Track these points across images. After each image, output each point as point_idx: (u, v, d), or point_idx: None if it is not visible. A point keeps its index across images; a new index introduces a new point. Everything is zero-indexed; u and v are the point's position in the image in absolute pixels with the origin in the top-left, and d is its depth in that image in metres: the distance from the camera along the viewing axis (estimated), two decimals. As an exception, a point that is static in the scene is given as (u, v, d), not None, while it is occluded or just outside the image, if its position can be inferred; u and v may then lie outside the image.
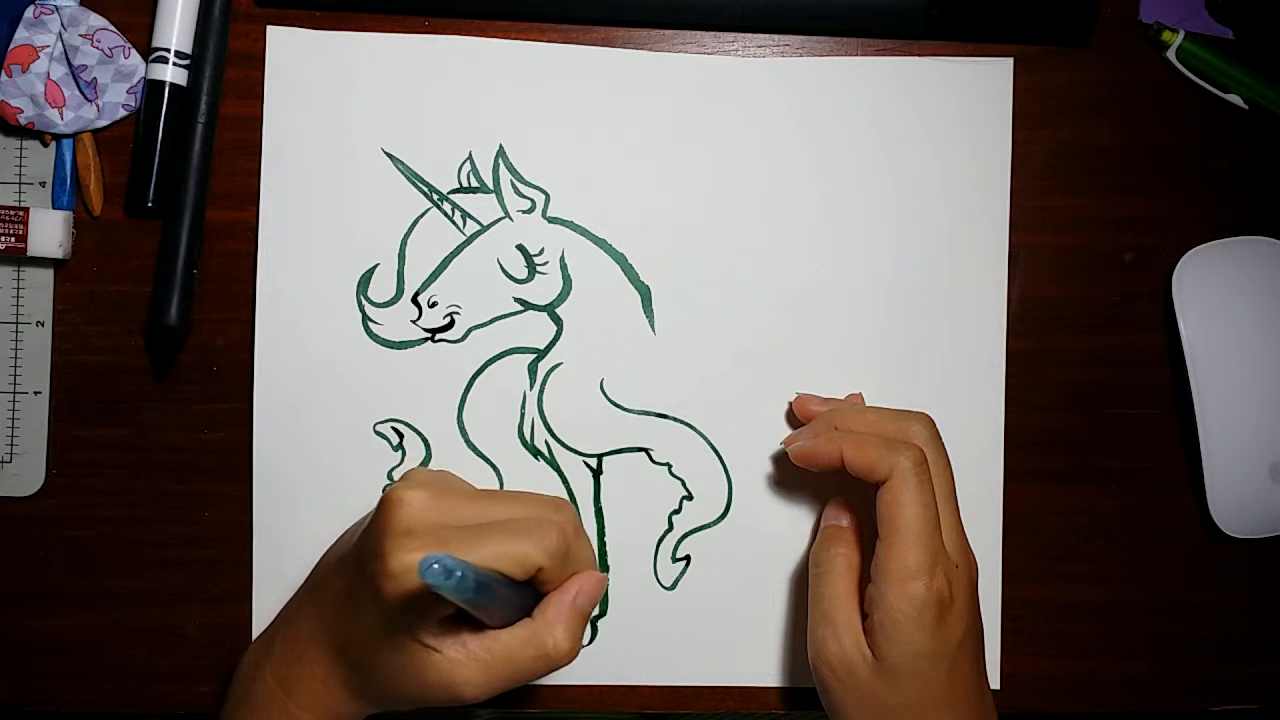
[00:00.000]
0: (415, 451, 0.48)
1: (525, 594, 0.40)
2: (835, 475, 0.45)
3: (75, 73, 0.47)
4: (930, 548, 0.42)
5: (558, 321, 0.49)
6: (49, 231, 0.47)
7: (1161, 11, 0.51)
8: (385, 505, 0.39)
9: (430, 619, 0.39)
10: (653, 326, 0.49)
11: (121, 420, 0.48)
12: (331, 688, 0.42)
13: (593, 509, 0.49)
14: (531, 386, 0.49)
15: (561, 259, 0.49)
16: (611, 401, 0.49)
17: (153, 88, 0.47)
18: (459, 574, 0.32)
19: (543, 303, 0.49)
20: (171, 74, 0.47)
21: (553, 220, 0.49)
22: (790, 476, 0.49)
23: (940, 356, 0.49)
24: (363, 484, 0.48)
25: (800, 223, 0.49)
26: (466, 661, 0.39)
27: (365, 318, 0.48)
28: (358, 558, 0.40)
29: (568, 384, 0.49)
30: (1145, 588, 0.51)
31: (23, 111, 0.47)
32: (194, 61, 0.47)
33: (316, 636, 0.42)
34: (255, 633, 0.47)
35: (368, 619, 0.39)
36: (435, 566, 0.32)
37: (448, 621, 0.39)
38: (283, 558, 0.48)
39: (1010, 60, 0.50)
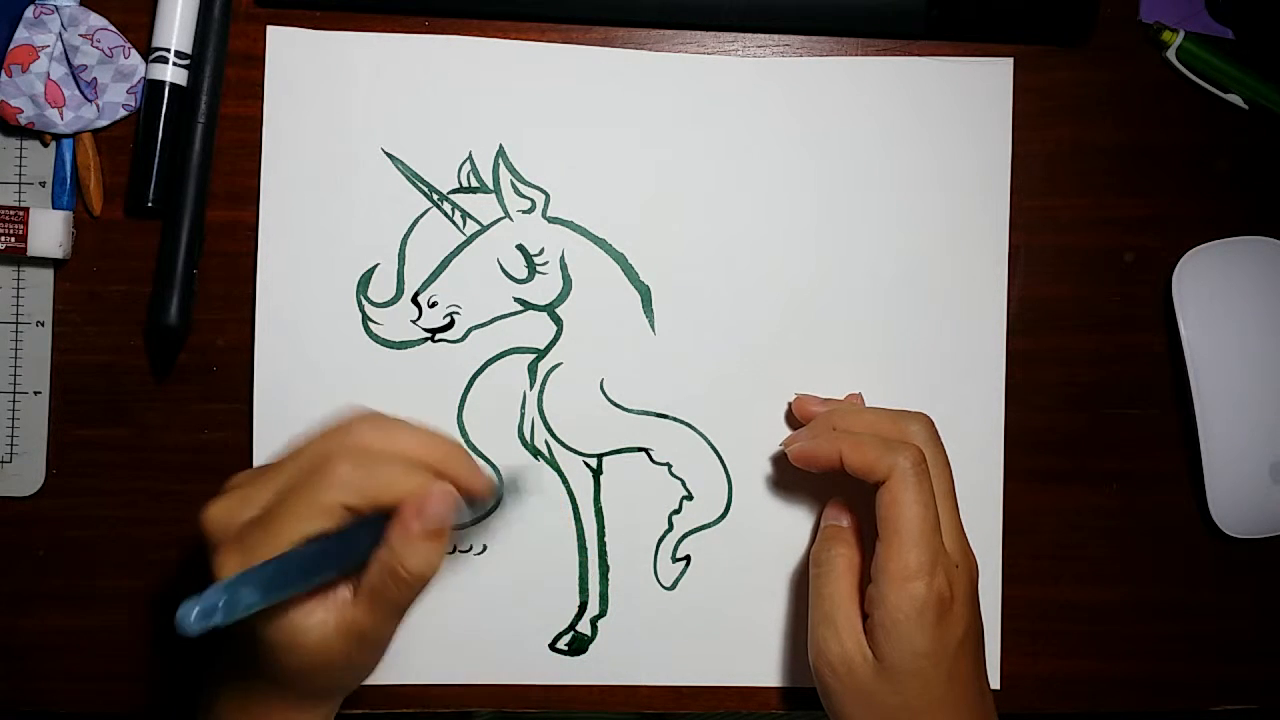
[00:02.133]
0: (415, 451, 0.48)
1: (374, 526, 0.37)
2: (835, 475, 0.45)
3: (75, 73, 0.47)
4: (930, 548, 0.42)
5: (558, 321, 0.49)
6: (49, 231, 0.47)
7: (1161, 11, 0.51)
8: (201, 527, 0.38)
9: (291, 606, 0.37)
10: (653, 326, 0.49)
11: (121, 420, 0.48)
12: (280, 711, 0.41)
13: (593, 509, 0.49)
14: (531, 386, 0.49)
15: (561, 259, 0.49)
16: (611, 401, 0.49)
17: (153, 88, 0.47)
18: (224, 602, 0.32)
19: (543, 303, 0.49)
20: (171, 74, 0.47)
21: (553, 220, 0.49)
22: (790, 477, 0.49)
23: (940, 356, 0.49)
24: (363, 484, 0.48)
25: (800, 222, 0.49)
26: (351, 614, 0.38)
27: (365, 318, 0.48)
28: None
29: (568, 384, 0.49)
30: (1145, 588, 0.51)
31: (23, 111, 0.47)
32: (194, 61, 0.47)
33: (241, 672, 0.41)
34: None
35: (250, 638, 0.38)
36: (193, 617, 0.32)
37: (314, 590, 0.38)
38: (283, 558, 0.48)
39: (1010, 60, 0.50)
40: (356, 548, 0.37)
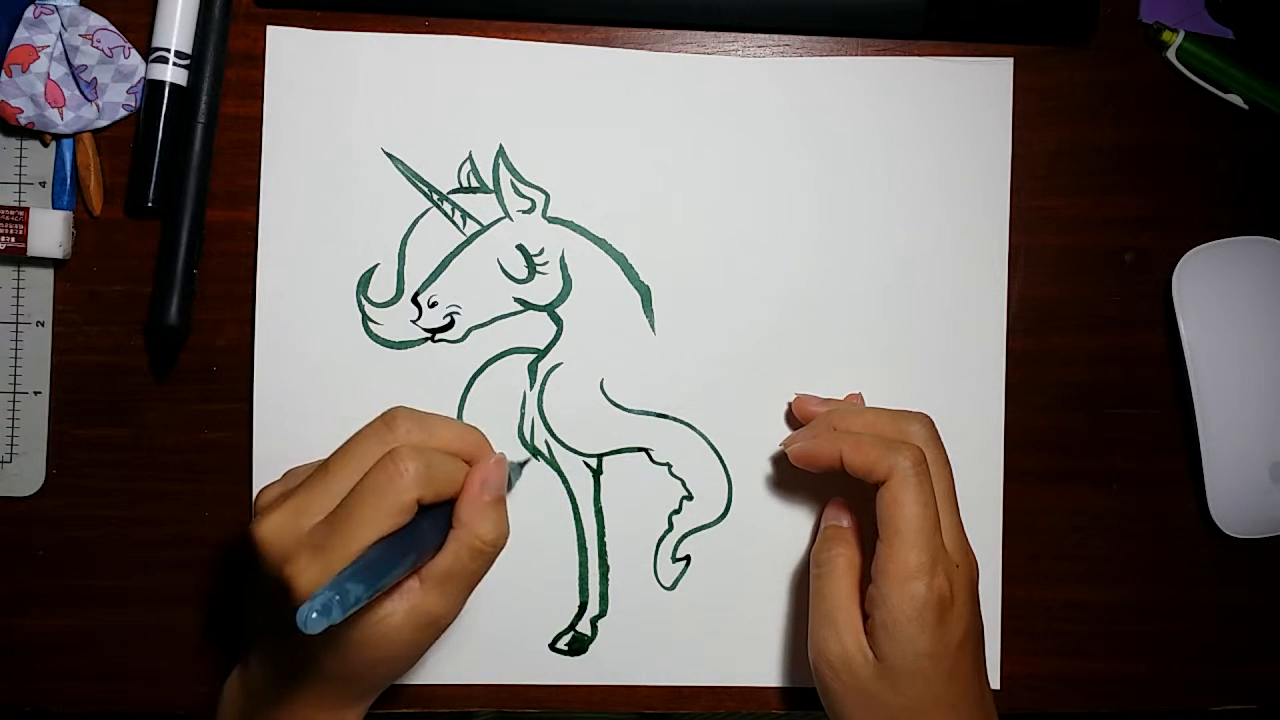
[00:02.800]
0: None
1: (435, 516, 0.40)
2: (835, 476, 0.45)
3: (75, 73, 0.47)
4: (930, 547, 0.42)
5: (558, 321, 0.49)
6: (49, 231, 0.47)
7: (1161, 11, 0.51)
8: (253, 547, 0.39)
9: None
10: (653, 326, 0.49)
11: (121, 420, 0.48)
12: (327, 710, 0.42)
13: (593, 509, 0.49)
14: (531, 386, 0.49)
15: (561, 259, 0.49)
16: (611, 401, 0.49)
17: (153, 88, 0.47)
18: (338, 599, 0.33)
19: (543, 303, 0.49)
20: (171, 74, 0.47)
21: (553, 220, 0.49)
22: (790, 477, 0.49)
23: (940, 356, 0.49)
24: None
25: (800, 222, 0.49)
26: (421, 600, 0.39)
27: (365, 318, 0.48)
28: (273, 605, 0.40)
29: (568, 384, 0.49)
30: (1145, 588, 0.51)
31: (23, 111, 0.47)
32: (194, 61, 0.47)
33: (289, 679, 0.41)
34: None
35: (318, 637, 0.38)
36: (314, 616, 0.33)
37: None
38: (283, 558, 0.48)
39: (1010, 60, 0.50)
40: (424, 539, 0.39)
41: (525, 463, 0.48)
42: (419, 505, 0.39)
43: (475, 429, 0.43)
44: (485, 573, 0.41)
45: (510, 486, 0.44)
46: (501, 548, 0.41)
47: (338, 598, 0.33)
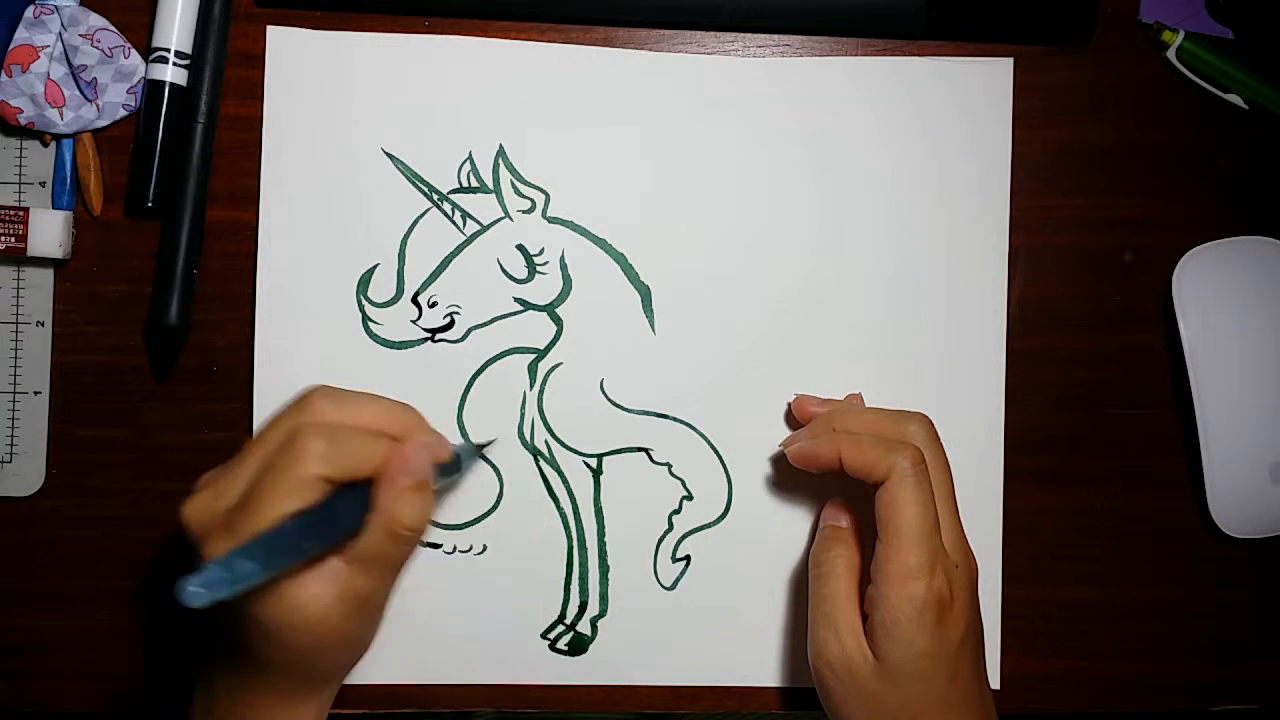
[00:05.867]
0: (415, 451, 0.48)
1: (354, 495, 0.39)
2: (835, 476, 0.44)
3: (75, 73, 0.47)
4: (929, 548, 0.42)
5: (558, 321, 0.49)
6: (49, 231, 0.47)
7: (1161, 11, 0.51)
8: (182, 525, 0.39)
9: (287, 584, 0.38)
10: (653, 326, 0.49)
11: (121, 420, 0.48)
12: (281, 701, 0.41)
13: (593, 509, 0.49)
14: (531, 386, 0.49)
15: (561, 259, 0.49)
16: (611, 401, 0.49)
17: (153, 88, 0.47)
18: (226, 574, 0.33)
19: (543, 303, 0.49)
20: (171, 74, 0.47)
21: (553, 220, 0.49)
22: (790, 477, 0.49)
23: (940, 356, 0.49)
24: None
25: (800, 222, 0.49)
26: (349, 582, 0.38)
27: (365, 318, 0.48)
28: None
29: (568, 384, 0.49)
30: (1145, 588, 0.51)
31: (23, 111, 0.47)
32: (194, 61, 0.47)
33: (236, 673, 0.41)
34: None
35: (253, 624, 0.39)
36: (191, 589, 0.32)
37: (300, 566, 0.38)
38: (283, 558, 0.48)
39: (1010, 60, 0.50)
40: (340, 519, 0.38)
41: (485, 445, 0.47)
42: (331, 483, 0.38)
43: (409, 407, 0.41)
44: (409, 556, 0.40)
45: (459, 469, 0.43)
46: (423, 532, 0.39)
47: (223, 573, 0.33)
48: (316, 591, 0.38)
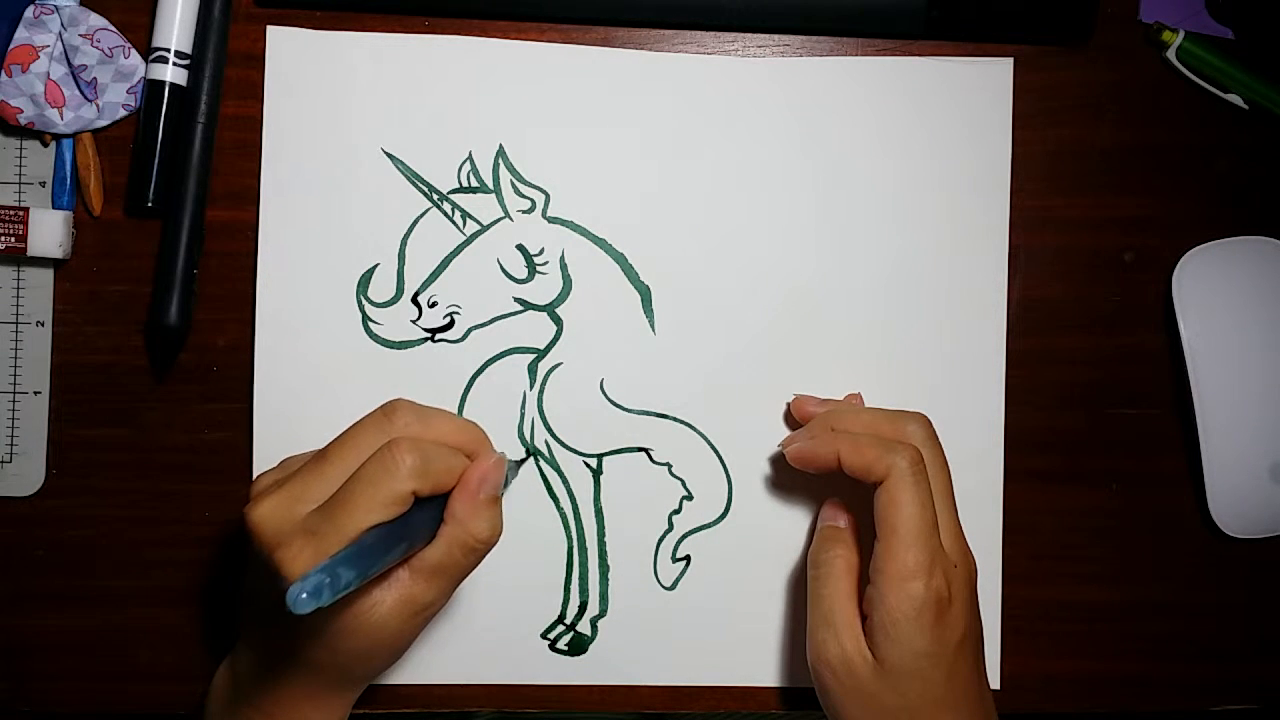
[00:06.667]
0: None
1: (428, 507, 0.40)
2: (835, 476, 0.45)
3: (75, 73, 0.47)
4: (928, 548, 0.42)
5: (558, 321, 0.49)
6: (49, 231, 0.47)
7: (1161, 11, 0.51)
8: (248, 532, 0.39)
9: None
10: (653, 326, 0.49)
11: (121, 420, 0.48)
12: (315, 699, 0.42)
13: (593, 509, 0.49)
14: (531, 386, 0.49)
15: (561, 259, 0.49)
16: (611, 401, 0.49)
17: (153, 88, 0.47)
18: (328, 581, 0.33)
19: (543, 303, 0.49)
20: (171, 74, 0.47)
21: (553, 220, 0.49)
22: (790, 477, 0.49)
23: (940, 356, 0.49)
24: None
25: (800, 222, 0.49)
26: (410, 590, 0.40)
27: (365, 318, 0.48)
28: (265, 591, 0.40)
29: (568, 384, 0.49)
30: (1145, 588, 0.51)
31: (23, 111, 0.47)
32: (194, 61, 0.47)
33: (276, 667, 0.42)
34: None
35: (305, 624, 0.39)
36: (304, 597, 0.32)
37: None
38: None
39: (1010, 60, 0.50)
40: (414, 530, 0.39)
41: (523, 461, 0.48)
42: (414, 497, 0.39)
43: (475, 424, 0.43)
44: (475, 567, 0.41)
45: (506, 485, 0.44)
46: (493, 545, 0.41)
47: (329, 580, 0.33)
48: (377, 598, 0.39)
